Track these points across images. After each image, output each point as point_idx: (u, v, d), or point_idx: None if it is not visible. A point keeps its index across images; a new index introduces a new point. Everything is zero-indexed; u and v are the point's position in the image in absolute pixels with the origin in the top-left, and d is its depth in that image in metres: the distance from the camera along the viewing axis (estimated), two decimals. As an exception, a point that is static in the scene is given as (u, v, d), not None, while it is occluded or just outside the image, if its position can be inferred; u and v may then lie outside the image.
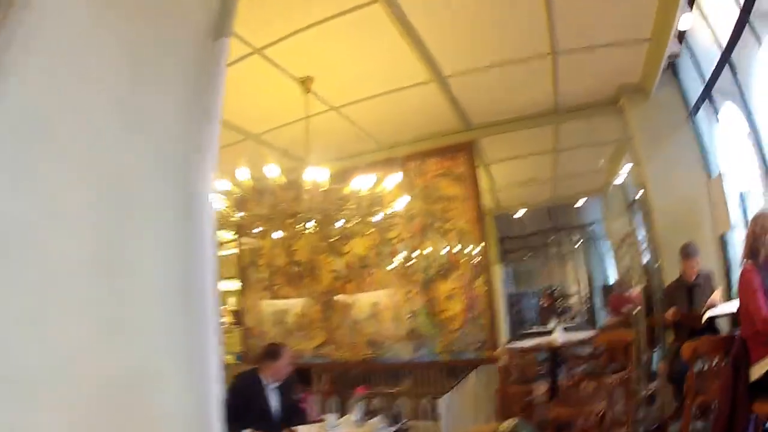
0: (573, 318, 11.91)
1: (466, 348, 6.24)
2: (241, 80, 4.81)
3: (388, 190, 4.38)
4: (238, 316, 8.55)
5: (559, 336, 5.31)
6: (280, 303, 7.66)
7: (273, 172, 3.93)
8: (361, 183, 4.23)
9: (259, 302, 7.89)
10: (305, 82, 4.86)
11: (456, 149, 6.54)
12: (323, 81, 4.97)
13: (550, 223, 11.98)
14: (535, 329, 9.54)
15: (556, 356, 5.44)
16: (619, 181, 9.07)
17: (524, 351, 5.65)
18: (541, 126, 6.52)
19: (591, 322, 11.40)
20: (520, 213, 11.32)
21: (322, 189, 4.03)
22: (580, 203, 11.38)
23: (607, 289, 11.08)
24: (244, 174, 4.01)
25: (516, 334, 9.05)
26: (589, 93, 5.96)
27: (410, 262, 6.63)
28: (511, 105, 6.10)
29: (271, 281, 7.80)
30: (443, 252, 6.45)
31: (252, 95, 5.17)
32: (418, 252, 6.62)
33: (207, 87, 1.66)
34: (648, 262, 7.04)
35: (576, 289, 12.55)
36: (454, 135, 6.54)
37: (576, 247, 12.53)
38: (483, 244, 6.27)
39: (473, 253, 6.27)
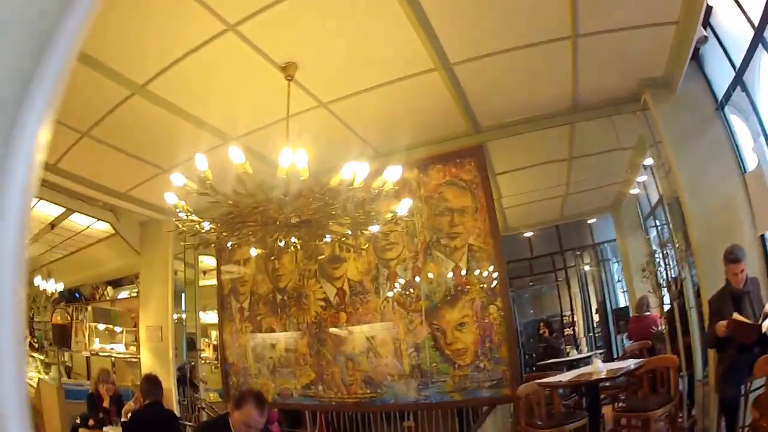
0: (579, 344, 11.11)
1: (480, 386, 5.36)
2: (210, 65, 4.06)
3: (390, 184, 3.51)
4: (219, 350, 7.70)
5: (600, 366, 4.45)
6: (264, 336, 6.83)
7: (237, 156, 3.09)
8: (353, 171, 3.36)
9: (240, 335, 7.04)
10: (287, 69, 4.08)
11: (464, 154, 5.73)
12: (309, 68, 4.22)
13: (559, 243, 11.18)
14: (552, 360, 8.71)
15: (595, 390, 4.60)
16: (635, 191, 8.52)
17: (561, 386, 4.79)
18: (557, 126, 5.79)
19: (606, 348, 10.52)
20: (529, 233, 10.56)
21: (302, 178, 3.19)
22: (593, 220, 10.65)
23: (620, 312, 10.36)
24: (202, 163, 3.19)
25: (531, 368, 8.22)
26: (609, 89, 5.33)
27: (412, 287, 5.78)
28: (525, 102, 5.39)
29: (253, 311, 6.97)
30: (450, 274, 5.60)
31: (223, 86, 4.43)
32: (421, 275, 5.78)
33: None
34: (678, 275, 6.30)
35: (585, 314, 11.71)
36: (462, 139, 5.78)
37: (586, 268, 11.72)
38: (497, 263, 5.43)
39: (486, 274, 5.43)
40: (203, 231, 3.52)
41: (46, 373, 9.17)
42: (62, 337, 12.95)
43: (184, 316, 9.06)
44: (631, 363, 4.86)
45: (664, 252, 7.26)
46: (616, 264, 11.07)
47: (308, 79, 4.38)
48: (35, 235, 10.41)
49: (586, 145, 6.70)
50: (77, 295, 12.98)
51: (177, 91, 4.43)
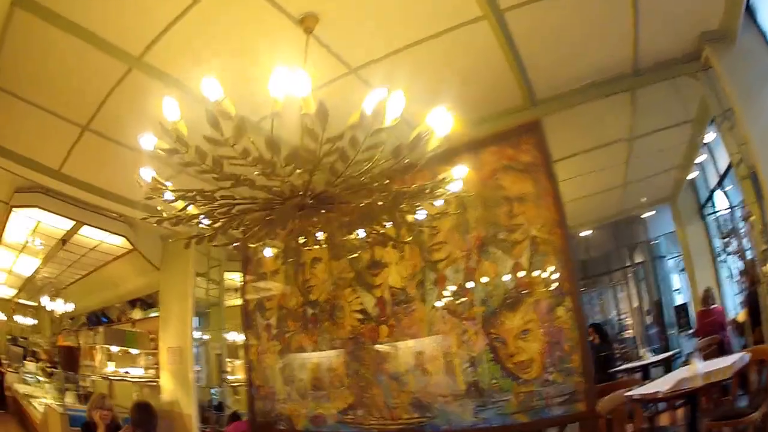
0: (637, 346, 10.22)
1: (549, 403, 4.41)
2: (211, 22, 3.31)
3: (436, 138, 2.52)
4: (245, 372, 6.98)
5: (701, 368, 3.55)
6: (294, 355, 6.04)
7: (212, 90, 2.14)
8: (380, 101, 2.28)
9: (267, 355, 6.26)
10: (306, 22, 3.27)
11: (520, 132, 4.86)
12: (332, 22, 3.42)
13: (616, 241, 10.24)
14: (623, 366, 7.97)
15: (695, 399, 3.70)
16: (692, 175, 8.16)
17: (663, 399, 3.89)
18: (618, 92, 5.02)
19: (665, 349, 9.67)
20: (586, 232, 9.67)
21: (304, 112, 2.23)
22: (649, 214, 9.83)
23: (679, 310, 9.81)
24: (172, 110, 2.27)
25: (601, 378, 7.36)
26: (670, 47, 4.69)
27: (465, 292, 4.89)
28: (584, 63, 4.67)
29: (281, 328, 6.17)
30: (510, 273, 4.71)
31: (231, 49, 3.68)
32: (475, 277, 4.90)
33: None
34: (758, 256, 5.54)
35: (641, 314, 10.78)
36: (516, 114, 4.98)
37: (642, 266, 10.81)
38: (565, 256, 4.53)
39: (552, 270, 4.53)
40: (193, 219, 2.72)
41: (61, 399, 8.53)
42: (70, 359, 12.32)
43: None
44: (733, 359, 3.99)
45: (739, 231, 6.75)
46: (673, 259, 10.36)
47: (331, 37, 3.59)
48: (48, 255, 9.93)
49: (647, 120, 5.98)
50: (104, 319, 12.43)
51: (176, 58, 3.73)
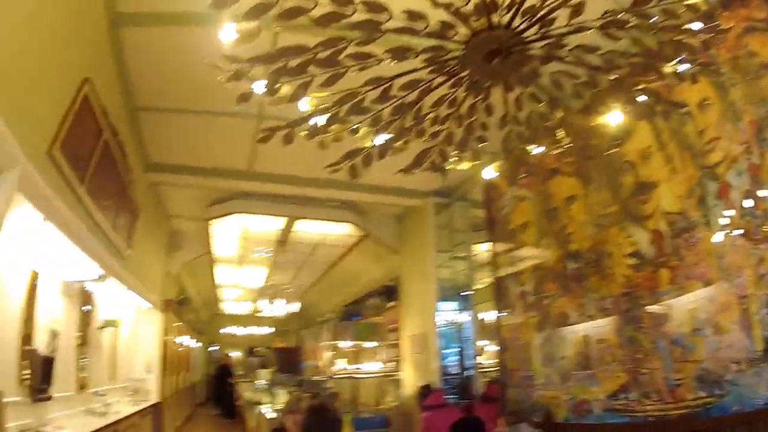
0: None
1: None
2: None
3: None
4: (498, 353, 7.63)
5: None
6: (555, 328, 6.50)
7: None
8: None
9: (522, 330, 6.90)
10: None
11: None
12: None
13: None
14: None
15: None
16: None
17: None
18: None
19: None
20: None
21: None
22: None
23: None
24: None
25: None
26: None
27: (754, 202, 4.63)
28: None
29: (539, 294, 6.74)
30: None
31: None
32: (762, 175, 4.63)
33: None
34: None
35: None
36: None
37: None
38: None
39: None
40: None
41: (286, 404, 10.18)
42: (286, 361, 14.48)
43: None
44: None
45: None
46: None
47: None
48: (273, 261, 11.89)
49: None
50: (355, 316, 14.34)
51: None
